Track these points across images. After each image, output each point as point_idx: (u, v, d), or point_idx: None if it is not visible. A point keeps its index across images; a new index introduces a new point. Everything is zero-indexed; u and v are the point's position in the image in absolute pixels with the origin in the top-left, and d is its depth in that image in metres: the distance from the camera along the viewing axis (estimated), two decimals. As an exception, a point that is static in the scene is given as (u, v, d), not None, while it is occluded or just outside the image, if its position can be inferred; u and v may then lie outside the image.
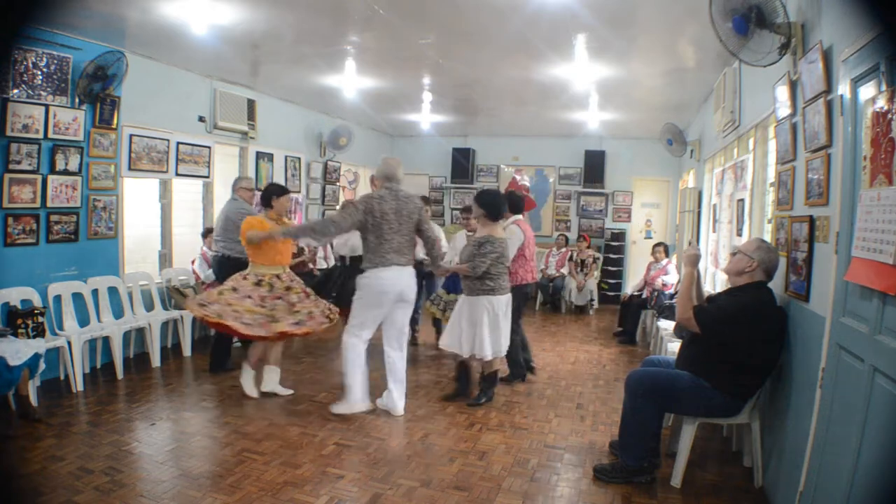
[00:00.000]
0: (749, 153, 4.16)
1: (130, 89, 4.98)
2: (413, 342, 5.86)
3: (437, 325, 5.46)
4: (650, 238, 9.52)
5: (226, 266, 4.72)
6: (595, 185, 9.66)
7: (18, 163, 4.18)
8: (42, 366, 3.78)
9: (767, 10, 2.72)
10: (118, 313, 4.96)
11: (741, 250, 2.97)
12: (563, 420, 4.04)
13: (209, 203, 6.34)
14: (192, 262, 5.73)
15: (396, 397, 3.98)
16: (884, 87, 1.85)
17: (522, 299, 4.79)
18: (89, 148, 4.75)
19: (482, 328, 4.03)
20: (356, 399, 3.94)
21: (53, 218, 4.50)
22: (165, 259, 5.83)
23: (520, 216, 4.89)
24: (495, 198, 4.21)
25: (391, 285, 3.81)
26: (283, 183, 7.32)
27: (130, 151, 5.16)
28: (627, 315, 6.75)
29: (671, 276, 6.43)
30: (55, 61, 4.36)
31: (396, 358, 3.98)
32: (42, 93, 4.30)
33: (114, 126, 4.93)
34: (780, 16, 2.74)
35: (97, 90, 4.60)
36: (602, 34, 4.26)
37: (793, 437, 2.60)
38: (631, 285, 7.90)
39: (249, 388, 4.25)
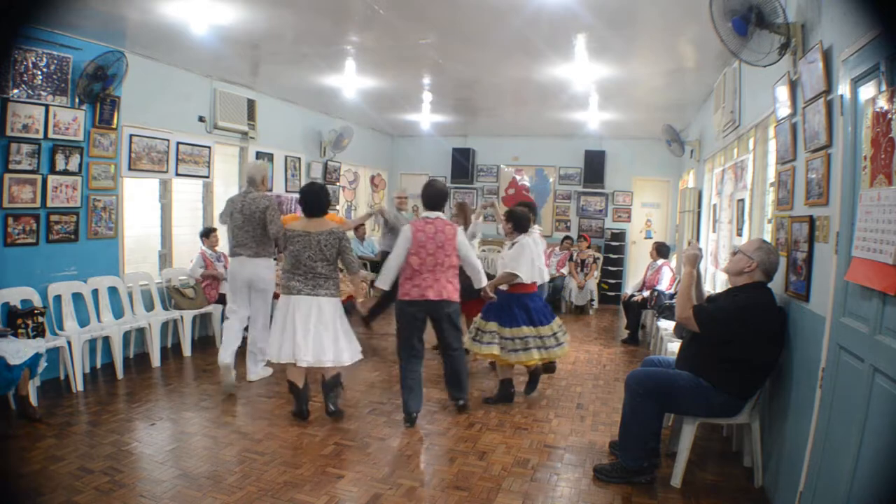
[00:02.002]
0: (749, 153, 4.16)
1: (130, 89, 4.98)
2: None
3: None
4: (650, 238, 9.52)
5: None
6: (595, 185, 9.66)
7: (18, 163, 4.18)
8: (42, 365, 3.78)
9: (767, 11, 2.72)
10: (118, 313, 4.97)
11: (741, 250, 2.97)
12: (563, 420, 4.04)
13: (209, 203, 6.34)
14: (191, 262, 5.73)
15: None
16: (884, 87, 1.85)
17: (405, 321, 3.79)
18: (89, 148, 4.75)
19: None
20: (221, 358, 4.36)
21: (53, 218, 4.50)
22: (165, 259, 5.83)
23: (433, 214, 3.85)
24: (306, 191, 3.83)
25: (236, 272, 4.49)
26: (282, 183, 7.36)
27: (130, 151, 5.15)
28: (629, 315, 6.75)
29: (663, 283, 6.41)
30: (55, 61, 4.36)
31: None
32: (42, 93, 4.30)
33: (114, 126, 4.93)
34: (780, 16, 2.74)
35: (97, 90, 4.60)
36: (602, 34, 4.26)
37: (793, 437, 2.60)
38: (631, 285, 7.91)
39: None
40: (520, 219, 4.35)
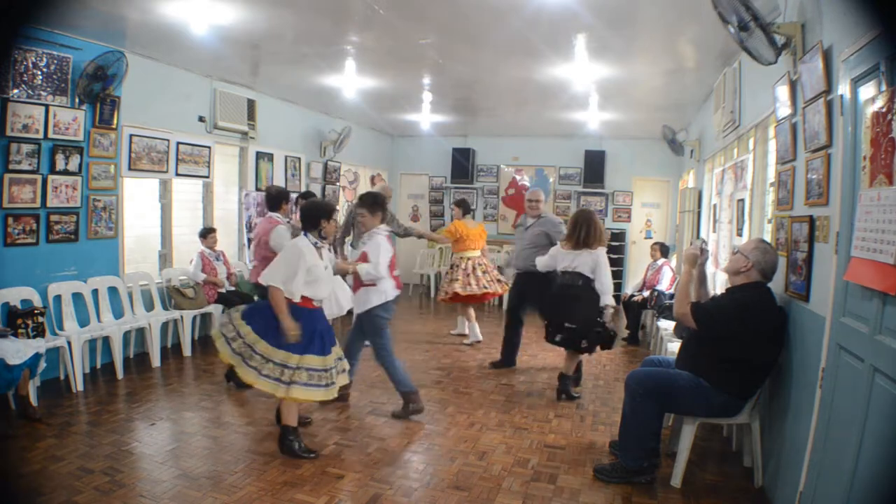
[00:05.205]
0: (749, 153, 4.16)
1: (130, 89, 4.98)
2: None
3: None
4: (650, 238, 9.52)
5: None
6: (595, 185, 9.66)
7: (18, 163, 4.18)
8: (42, 365, 3.78)
9: (760, 15, 2.73)
10: (118, 313, 4.97)
11: (740, 250, 2.98)
12: (563, 420, 4.04)
13: (209, 203, 6.34)
14: (191, 262, 5.73)
15: None
16: (884, 87, 1.86)
17: None
18: (89, 148, 4.75)
19: None
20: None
21: (53, 218, 4.50)
22: (165, 259, 5.83)
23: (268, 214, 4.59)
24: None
25: None
26: (283, 183, 7.34)
27: (130, 151, 5.15)
28: (629, 315, 6.74)
29: (663, 283, 6.41)
30: (55, 61, 4.36)
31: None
32: (42, 93, 4.30)
33: (114, 126, 4.93)
34: (778, 18, 2.75)
35: (97, 90, 4.60)
36: (602, 34, 4.26)
37: (793, 437, 2.60)
38: (631, 285, 7.90)
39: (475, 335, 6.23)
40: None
